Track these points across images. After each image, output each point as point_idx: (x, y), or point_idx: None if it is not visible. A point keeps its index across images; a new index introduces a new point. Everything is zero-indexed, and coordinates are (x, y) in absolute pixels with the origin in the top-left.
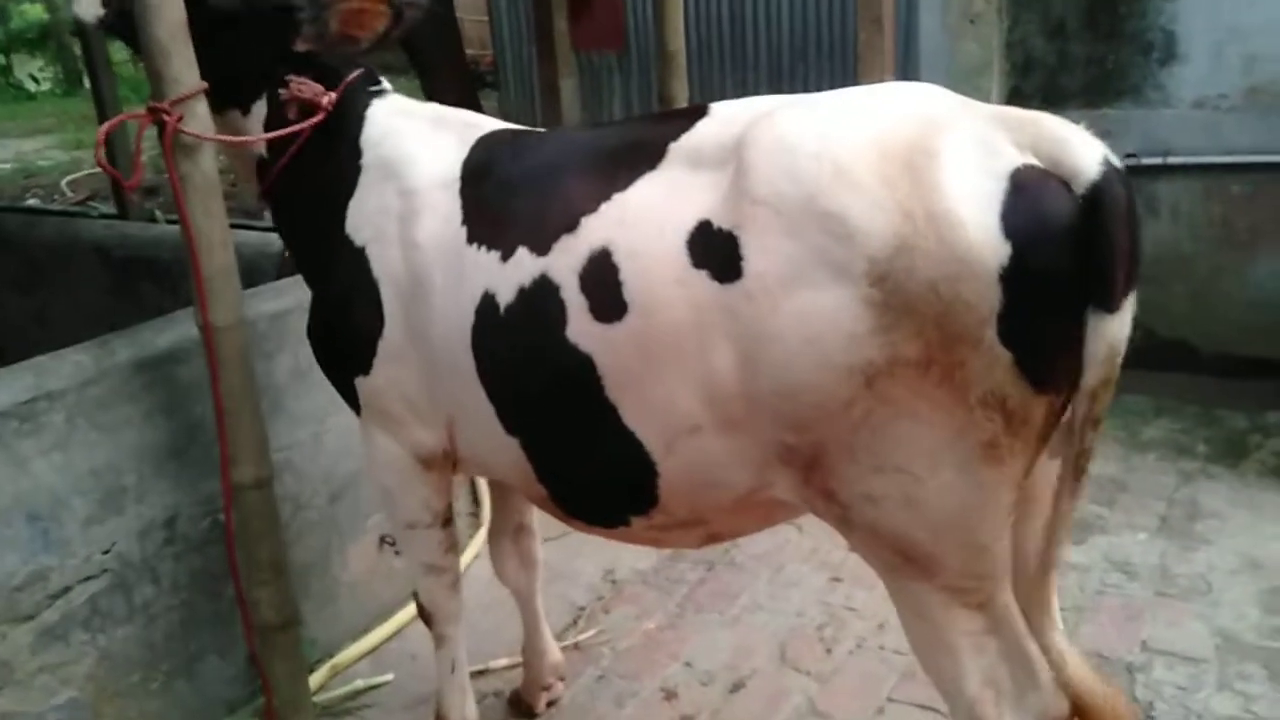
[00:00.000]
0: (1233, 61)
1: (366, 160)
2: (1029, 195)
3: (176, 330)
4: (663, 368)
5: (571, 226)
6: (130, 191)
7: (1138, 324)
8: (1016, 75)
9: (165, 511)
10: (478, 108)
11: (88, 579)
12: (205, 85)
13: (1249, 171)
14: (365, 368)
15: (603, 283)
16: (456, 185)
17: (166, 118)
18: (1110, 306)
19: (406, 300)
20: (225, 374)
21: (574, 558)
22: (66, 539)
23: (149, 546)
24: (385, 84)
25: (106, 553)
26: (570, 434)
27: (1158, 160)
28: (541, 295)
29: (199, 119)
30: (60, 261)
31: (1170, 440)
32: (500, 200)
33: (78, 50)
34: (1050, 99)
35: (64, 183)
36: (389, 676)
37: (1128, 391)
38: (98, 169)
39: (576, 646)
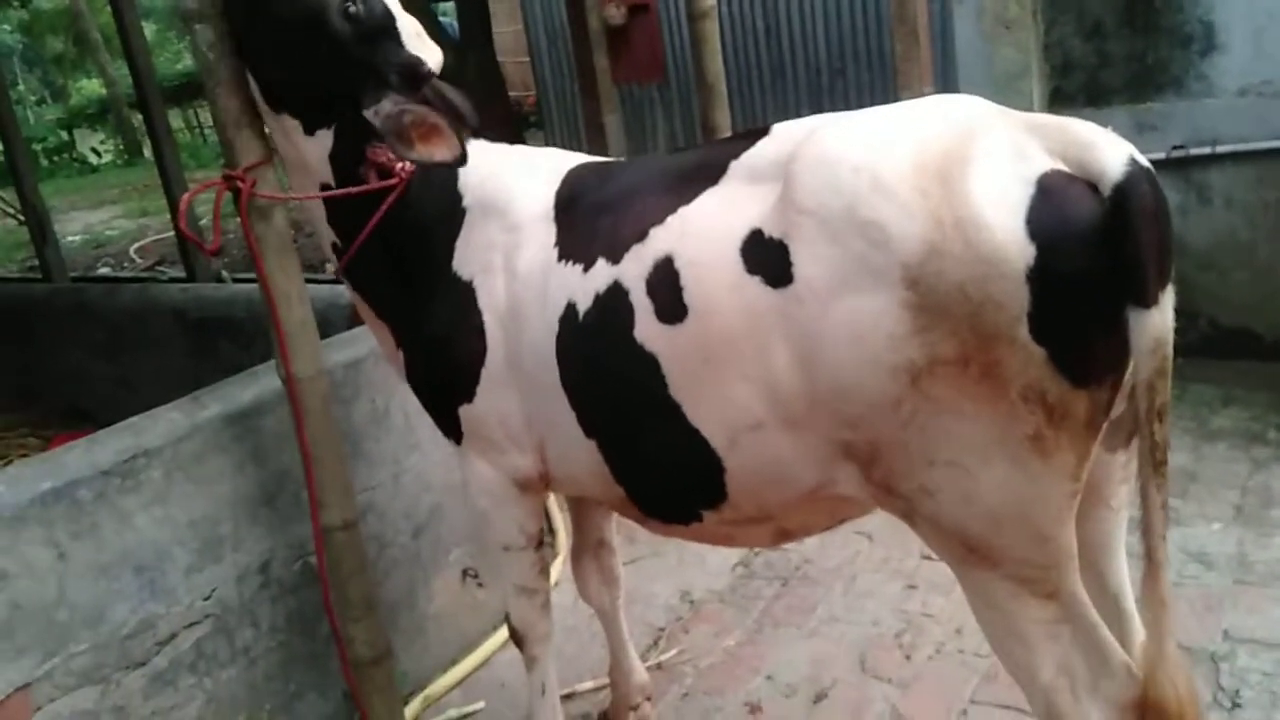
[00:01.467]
0: (1274, 47)
1: (469, 202)
2: (1054, 199)
3: (259, 384)
4: (722, 367)
5: (641, 237)
6: (211, 256)
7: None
8: (1057, 77)
9: (260, 557)
10: (521, 143)
11: (192, 625)
12: (271, 154)
13: None
14: (470, 395)
15: (665, 287)
16: (551, 215)
17: (241, 184)
18: (1145, 302)
19: (506, 327)
20: (310, 422)
21: (650, 581)
22: (171, 588)
23: (246, 591)
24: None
25: (208, 599)
26: (640, 431)
27: (1206, 150)
28: (614, 300)
29: (269, 183)
30: (140, 327)
31: (1241, 428)
32: (587, 222)
33: (136, 122)
34: (1093, 98)
35: (132, 250)
36: (480, 705)
37: (1195, 381)
38: (162, 235)
39: (659, 667)
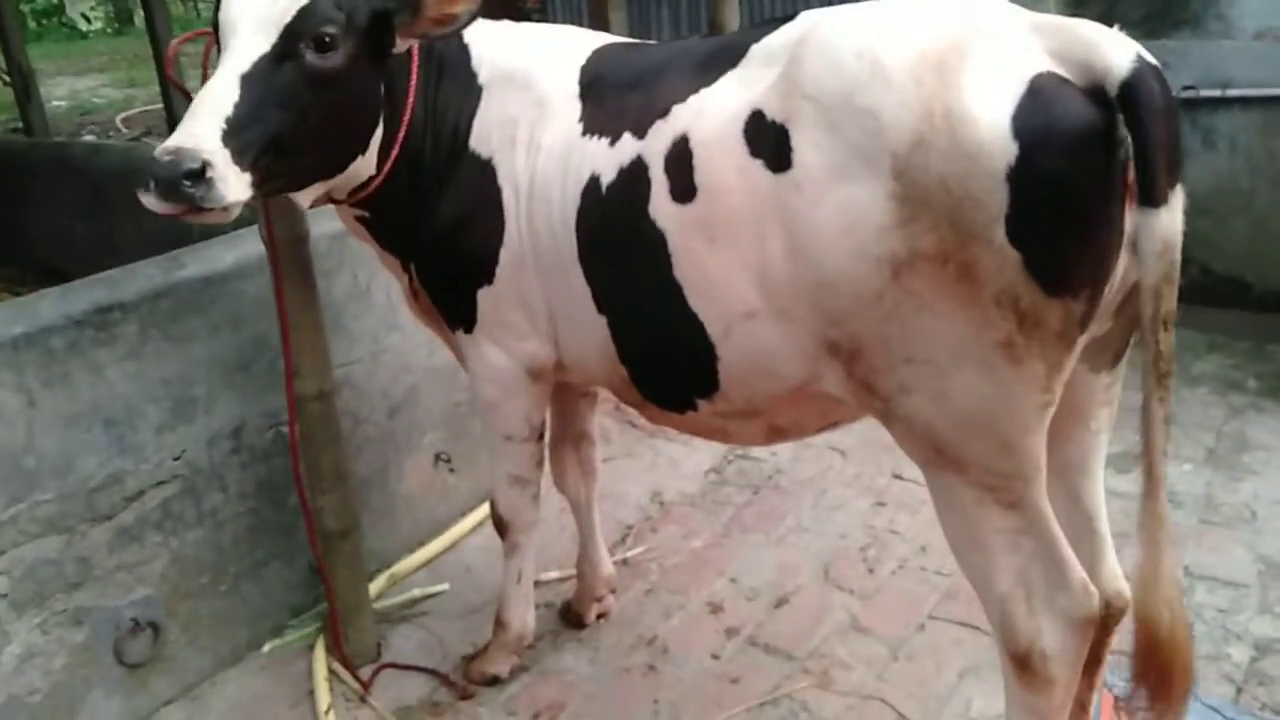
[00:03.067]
0: None
1: (485, 78)
2: (1043, 99)
3: (243, 247)
4: (723, 251)
5: (665, 113)
6: None
7: (1194, 260)
8: (1074, 4)
9: (232, 422)
10: None
11: (160, 484)
12: None
13: None
14: (489, 276)
15: (680, 165)
16: (577, 91)
17: None
18: (1155, 200)
19: (525, 202)
20: (289, 288)
21: (622, 481)
22: (140, 445)
23: (217, 455)
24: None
25: (177, 459)
26: (646, 310)
27: (1216, 93)
28: (635, 173)
29: None
30: (124, 188)
31: (1221, 375)
32: (615, 97)
33: None
34: (1109, 28)
35: (119, 119)
36: (444, 586)
37: (1182, 326)
38: (150, 106)
39: (625, 562)
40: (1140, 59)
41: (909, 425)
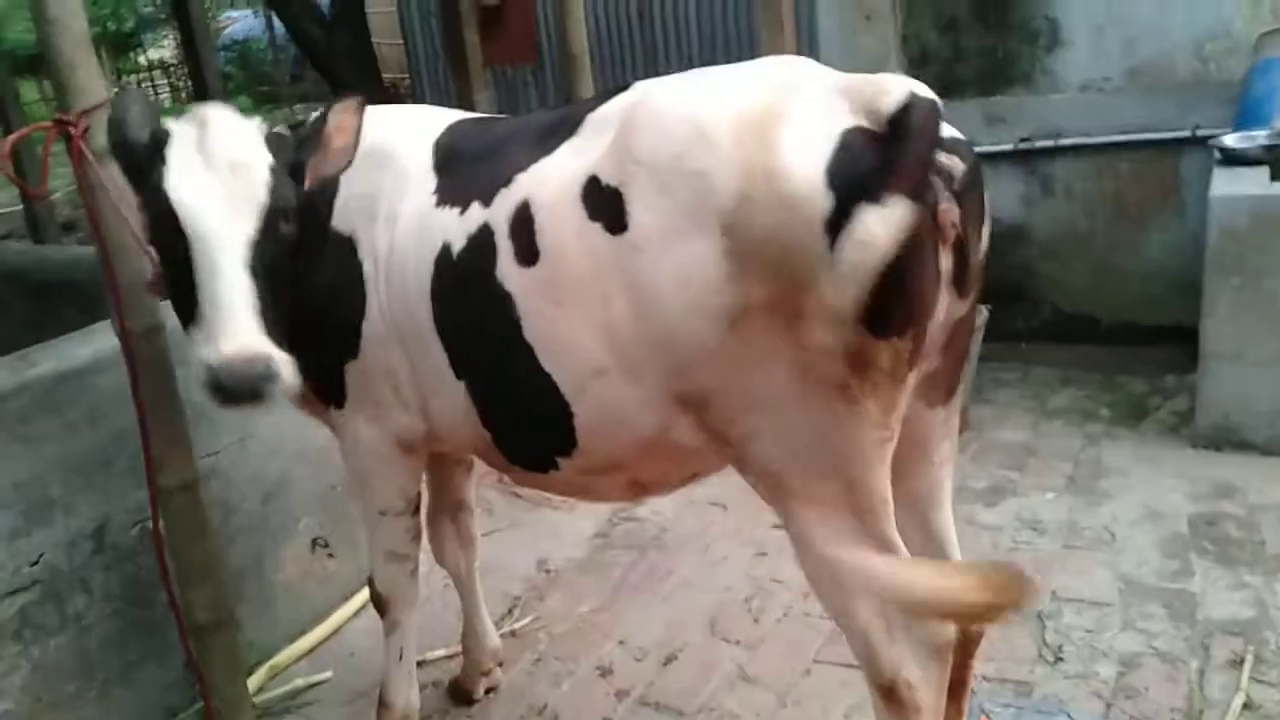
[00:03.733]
0: (1113, 45)
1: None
2: (853, 152)
3: (97, 342)
4: (570, 312)
5: (508, 182)
6: (37, 200)
7: (1044, 301)
8: (913, 68)
9: (94, 521)
10: None
11: (16, 591)
12: (109, 98)
13: (1135, 149)
14: (354, 350)
15: (523, 230)
16: (432, 164)
17: (72, 129)
18: (876, 197)
19: (384, 274)
20: (145, 378)
21: (508, 552)
22: None
23: (78, 557)
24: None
25: (35, 564)
26: (501, 373)
27: (1050, 143)
28: (482, 240)
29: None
30: None
31: (1076, 407)
32: (466, 168)
33: None
34: (947, 89)
35: None
36: (328, 674)
37: (1037, 364)
38: (10, 208)
39: (514, 634)
40: (912, 93)
41: (760, 470)
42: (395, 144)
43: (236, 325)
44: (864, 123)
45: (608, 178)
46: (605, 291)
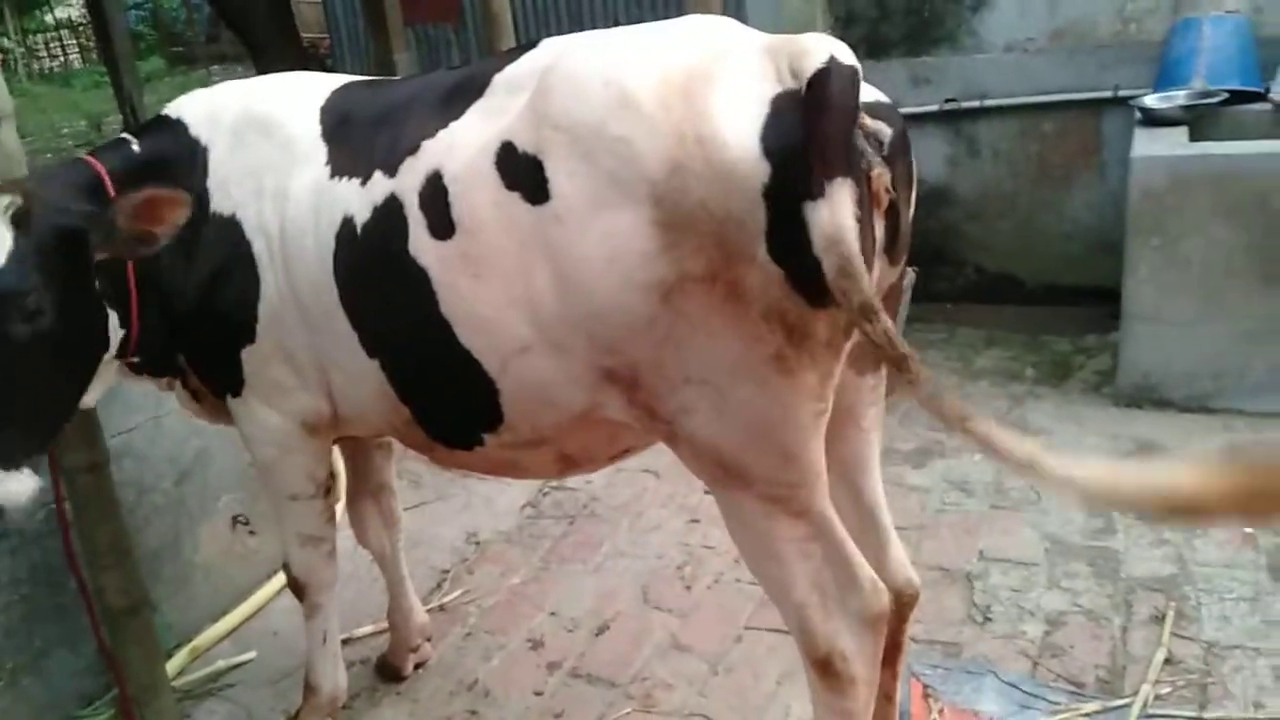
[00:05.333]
0: (1038, 6)
1: (209, 139)
2: (786, 119)
3: None
4: (489, 286)
5: (414, 150)
6: None
7: (968, 262)
8: (840, 28)
9: None
10: None
11: None
12: None
13: (1058, 110)
14: (250, 335)
15: (435, 202)
16: (319, 133)
17: None
18: (809, 193)
19: (280, 253)
20: None
21: (436, 525)
22: None
23: None
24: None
25: None
26: (418, 351)
27: (975, 103)
28: (390, 212)
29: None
30: None
31: (1001, 367)
32: (362, 137)
33: None
34: (873, 50)
35: None
36: (251, 655)
37: (962, 324)
38: None
39: (442, 608)
40: (831, 58)
41: (693, 446)
42: (277, 114)
43: None
44: (792, 85)
45: (524, 144)
46: (526, 264)
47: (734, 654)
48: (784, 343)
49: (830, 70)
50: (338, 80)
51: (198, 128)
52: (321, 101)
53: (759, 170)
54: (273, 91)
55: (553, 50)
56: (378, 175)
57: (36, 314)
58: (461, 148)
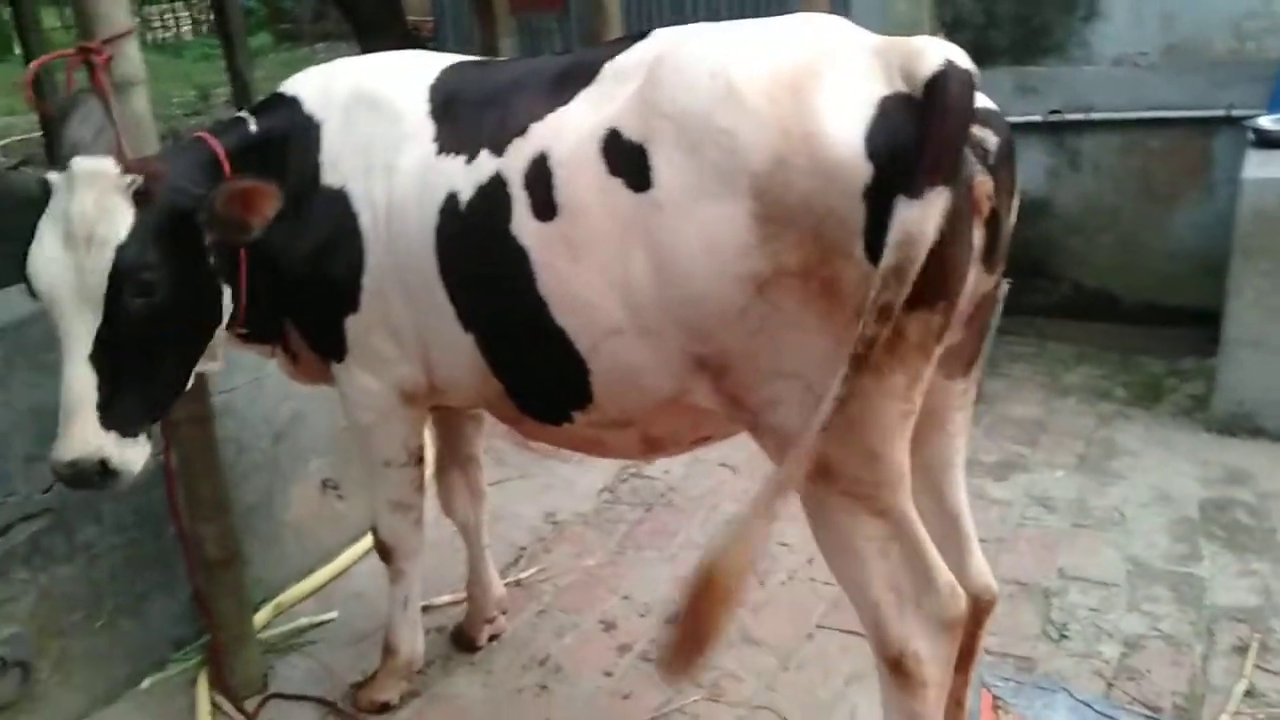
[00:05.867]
0: (1152, 20)
1: (324, 115)
2: (893, 121)
3: None
4: (586, 268)
5: (523, 131)
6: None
7: (1065, 277)
8: (946, 33)
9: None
10: None
11: (29, 517)
12: (133, 26)
13: (1167, 127)
14: (355, 304)
15: (540, 184)
16: (428, 111)
17: (96, 57)
18: (909, 191)
19: (385, 226)
20: None
21: (516, 502)
22: (7, 476)
23: None
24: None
25: (47, 492)
26: (514, 326)
27: (1081, 116)
28: (495, 190)
29: (130, 60)
30: None
31: (1090, 385)
32: (470, 115)
33: (6, 15)
34: (979, 57)
35: None
36: (333, 614)
37: (1052, 339)
38: (29, 135)
39: (519, 584)
40: (949, 62)
41: (777, 438)
42: (387, 92)
43: (75, 427)
44: (901, 88)
45: (630, 132)
46: (625, 249)
47: (804, 651)
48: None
49: (948, 74)
50: (447, 60)
51: (311, 105)
52: (431, 80)
53: (862, 170)
54: (384, 70)
55: (662, 41)
56: (484, 154)
57: (154, 287)
58: (569, 132)
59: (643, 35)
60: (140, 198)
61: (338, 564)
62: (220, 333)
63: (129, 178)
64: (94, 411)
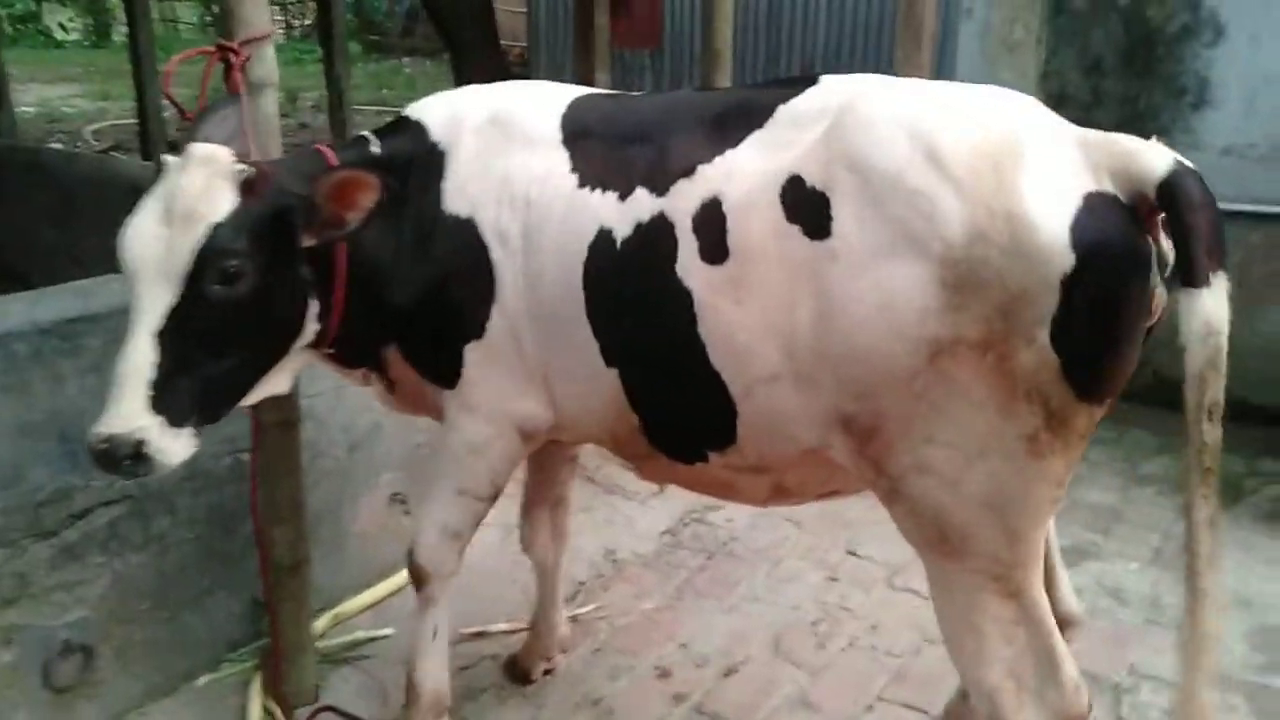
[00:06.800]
0: (1264, 112)
1: (448, 143)
2: (1098, 216)
3: None
4: (750, 313)
5: (689, 173)
6: (189, 122)
7: (1150, 362)
8: (1051, 106)
9: None
10: None
11: (109, 503)
12: (272, 30)
13: (1270, 222)
14: (479, 332)
15: (711, 228)
16: (561, 141)
17: (234, 56)
18: (1196, 281)
19: (518, 257)
20: None
21: (576, 536)
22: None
23: (169, 478)
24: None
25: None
26: (665, 364)
27: None
28: (657, 231)
29: (265, 62)
30: (96, 199)
31: (1169, 476)
32: (613, 149)
33: (108, 4)
34: None
35: (88, 130)
36: (389, 630)
37: (1134, 426)
38: (121, 121)
39: (575, 620)
40: (1178, 161)
41: (916, 507)
42: (519, 121)
43: (123, 403)
44: (1107, 187)
45: (812, 179)
46: (792, 297)
47: None
48: (1041, 425)
49: (1183, 172)
50: (574, 91)
51: (438, 132)
52: (563, 110)
53: (1064, 260)
54: (514, 99)
55: (842, 91)
56: (640, 192)
57: (238, 277)
58: (742, 177)
59: (808, 80)
60: (246, 187)
61: (397, 580)
62: (297, 352)
63: (240, 167)
64: (147, 389)
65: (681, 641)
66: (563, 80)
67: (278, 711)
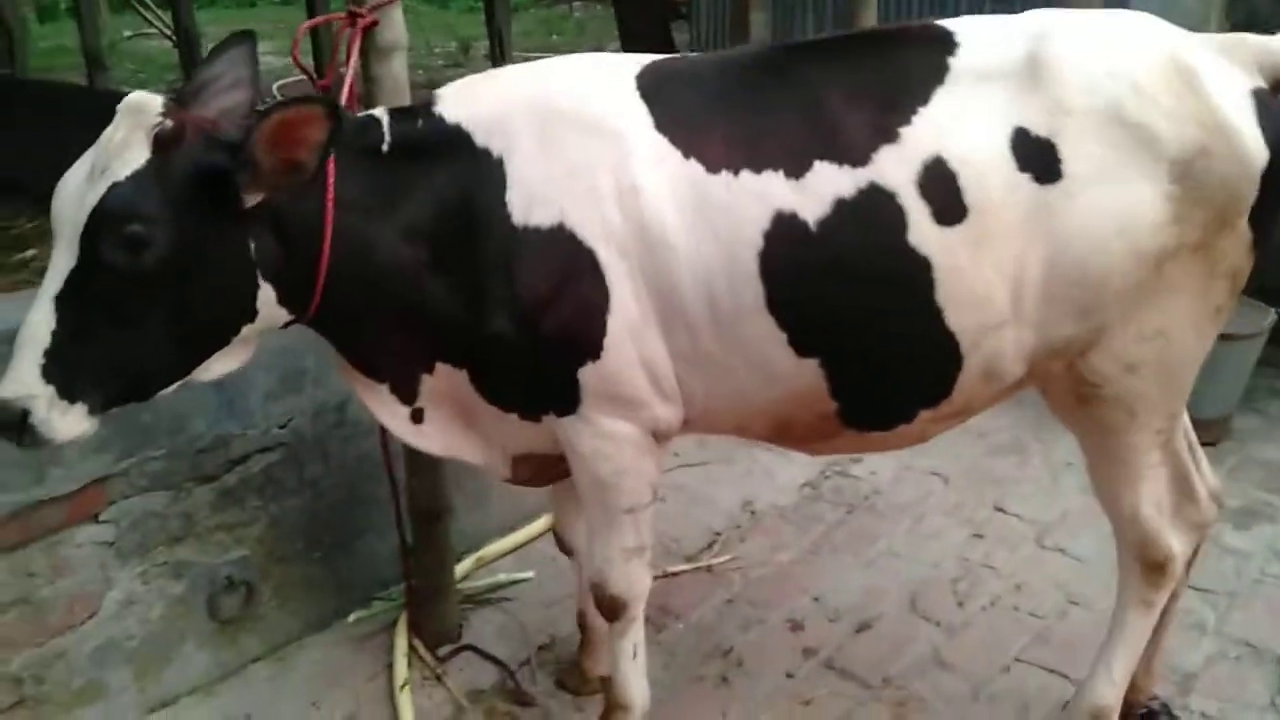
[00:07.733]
0: None
1: (500, 142)
2: (1270, 109)
3: None
4: (985, 266)
5: (890, 137)
6: (323, 90)
7: None
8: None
9: (338, 396)
10: (669, 36)
11: (265, 450)
12: None
13: None
14: (595, 352)
15: (942, 189)
16: (651, 123)
17: (360, 19)
18: None
19: (639, 257)
20: None
21: (716, 486)
22: (249, 410)
23: (321, 426)
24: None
25: (283, 427)
26: (886, 338)
27: None
28: (873, 203)
29: (394, 25)
30: None
31: None
32: (742, 123)
33: None
34: None
35: (275, 87)
36: (530, 574)
37: None
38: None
39: (709, 569)
40: None
41: (1119, 402)
42: (591, 106)
43: (15, 365)
44: (1260, 82)
45: (1037, 129)
46: (1023, 243)
47: (999, 683)
48: (1226, 296)
49: None
50: (629, 61)
51: (481, 134)
52: (633, 87)
53: (1263, 155)
54: (570, 83)
55: (1011, 39)
56: (823, 166)
57: (141, 246)
58: (957, 133)
59: (937, 33)
60: (160, 143)
61: (539, 524)
62: (249, 336)
63: (159, 119)
64: (38, 355)
65: (815, 595)
66: (720, 20)
67: (421, 649)
